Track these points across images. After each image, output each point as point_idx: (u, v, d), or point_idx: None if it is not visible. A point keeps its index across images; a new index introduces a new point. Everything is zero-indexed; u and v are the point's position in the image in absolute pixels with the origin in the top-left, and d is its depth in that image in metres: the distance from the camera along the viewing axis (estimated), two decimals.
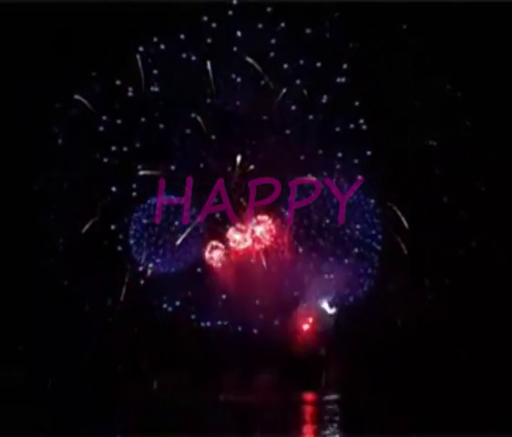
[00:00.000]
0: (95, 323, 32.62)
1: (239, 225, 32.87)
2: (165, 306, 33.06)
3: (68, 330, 31.93)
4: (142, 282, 32.93)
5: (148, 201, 32.73)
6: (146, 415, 25.75)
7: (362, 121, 31.67)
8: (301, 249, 32.48)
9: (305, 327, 33.45)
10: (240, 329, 32.90)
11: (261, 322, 32.38)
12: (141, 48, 31.96)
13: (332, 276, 32.29)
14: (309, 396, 31.38)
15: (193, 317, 33.08)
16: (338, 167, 32.07)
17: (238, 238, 32.84)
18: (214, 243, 33.15)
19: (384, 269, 32.34)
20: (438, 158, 31.72)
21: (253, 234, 32.71)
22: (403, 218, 31.77)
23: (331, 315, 33.28)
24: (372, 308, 32.38)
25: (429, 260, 31.50)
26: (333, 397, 30.27)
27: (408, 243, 31.81)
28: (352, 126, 31.78)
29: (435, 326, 30.48)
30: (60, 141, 32.47)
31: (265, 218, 32.57)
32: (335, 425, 22.84)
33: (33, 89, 31.01)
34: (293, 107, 32.20)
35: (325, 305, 33.21)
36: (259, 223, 32.64)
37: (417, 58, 31.01)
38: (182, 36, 31.77)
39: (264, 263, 32.52)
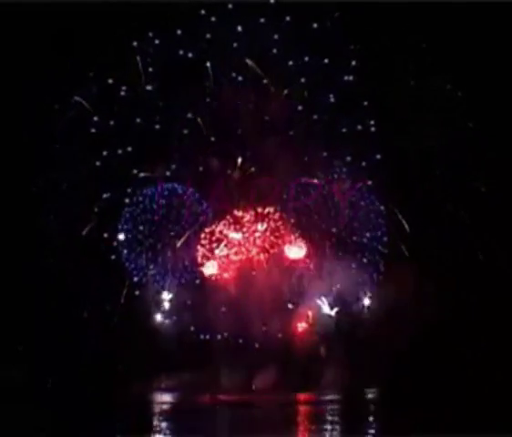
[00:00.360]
0: (95, 323, 32.61)
1: (240, 213, 32.62)
2: (162, 319, 32.98)
3: (68, 330, 31.93)
4: (137, 293, 32.93)
5: (144, 192, 32.54)
6: (146, 415, 25.72)
7: (365, 123, 31.71)
8: (303, 250, 32.48)
9: (305, 327, 33.40)
10: (241, 341, 32.83)
11: (262, 333, 32.26)
12: (141, 48, 31.97)
13: (332, 277, 32.26)
14: (308, 396, 31.30)
15: (192, 329, 32.98)
16: (344, 169, 32.09)
17: (238, 237, 32.73)
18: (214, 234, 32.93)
19: (384, 271, 32.35)
20: (438, 159, 31.71)
21: (254, 234, 32.65)
22: (403, 221, 31.77)
23: (331, 316, 33.21)
24: (372, 309, 32.41)
25: (430, 262, 31.45)
26: (333, 397, 30.18)
27: (409, 245, 31.80)
28: (352, 128, 31.82)
29: (435, 326, 30.43)
30: (60, 142, 32.47)
31: (270, 209, 32.40)
32: (335, 425, 22.77)
33: (32, 90, 31.01)
34: (295, 107, 32.18)
35: (326, 306, 33.16)
36: (259, 220, 32.49)
37: (418, 58, 31.02)
38: (180, 32, 31.73)
39: (265, 265, 32.49)
